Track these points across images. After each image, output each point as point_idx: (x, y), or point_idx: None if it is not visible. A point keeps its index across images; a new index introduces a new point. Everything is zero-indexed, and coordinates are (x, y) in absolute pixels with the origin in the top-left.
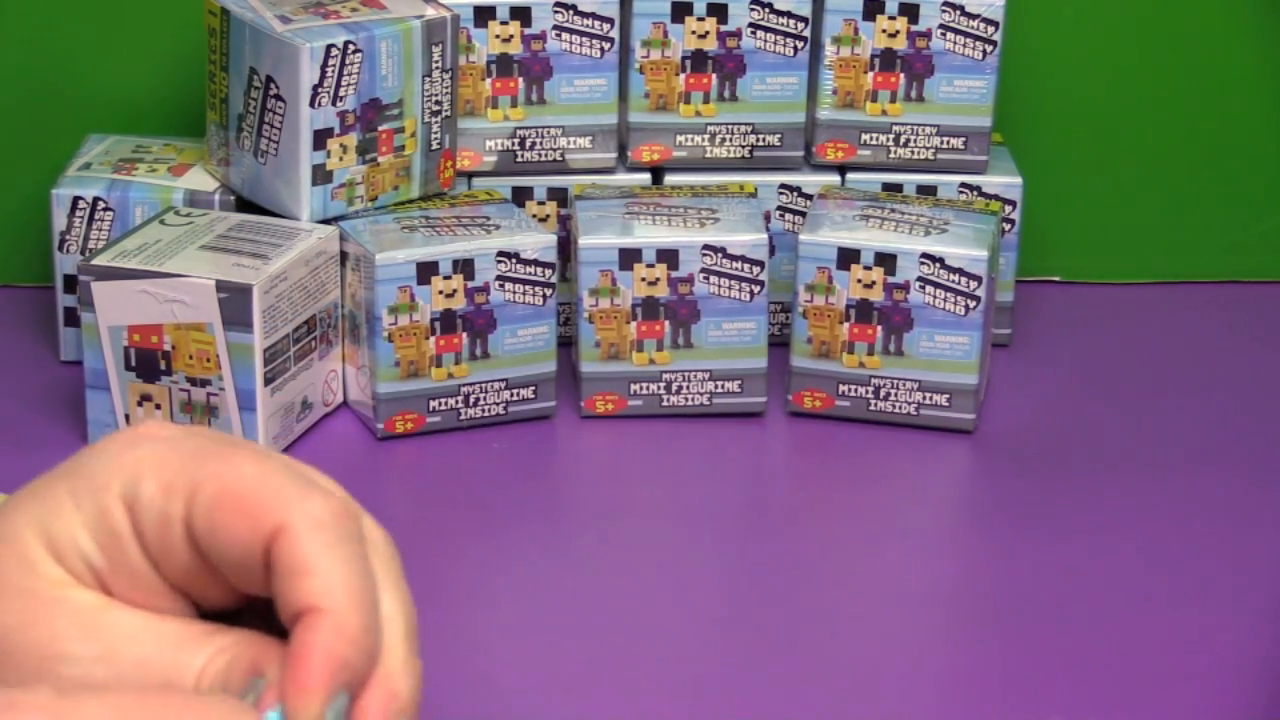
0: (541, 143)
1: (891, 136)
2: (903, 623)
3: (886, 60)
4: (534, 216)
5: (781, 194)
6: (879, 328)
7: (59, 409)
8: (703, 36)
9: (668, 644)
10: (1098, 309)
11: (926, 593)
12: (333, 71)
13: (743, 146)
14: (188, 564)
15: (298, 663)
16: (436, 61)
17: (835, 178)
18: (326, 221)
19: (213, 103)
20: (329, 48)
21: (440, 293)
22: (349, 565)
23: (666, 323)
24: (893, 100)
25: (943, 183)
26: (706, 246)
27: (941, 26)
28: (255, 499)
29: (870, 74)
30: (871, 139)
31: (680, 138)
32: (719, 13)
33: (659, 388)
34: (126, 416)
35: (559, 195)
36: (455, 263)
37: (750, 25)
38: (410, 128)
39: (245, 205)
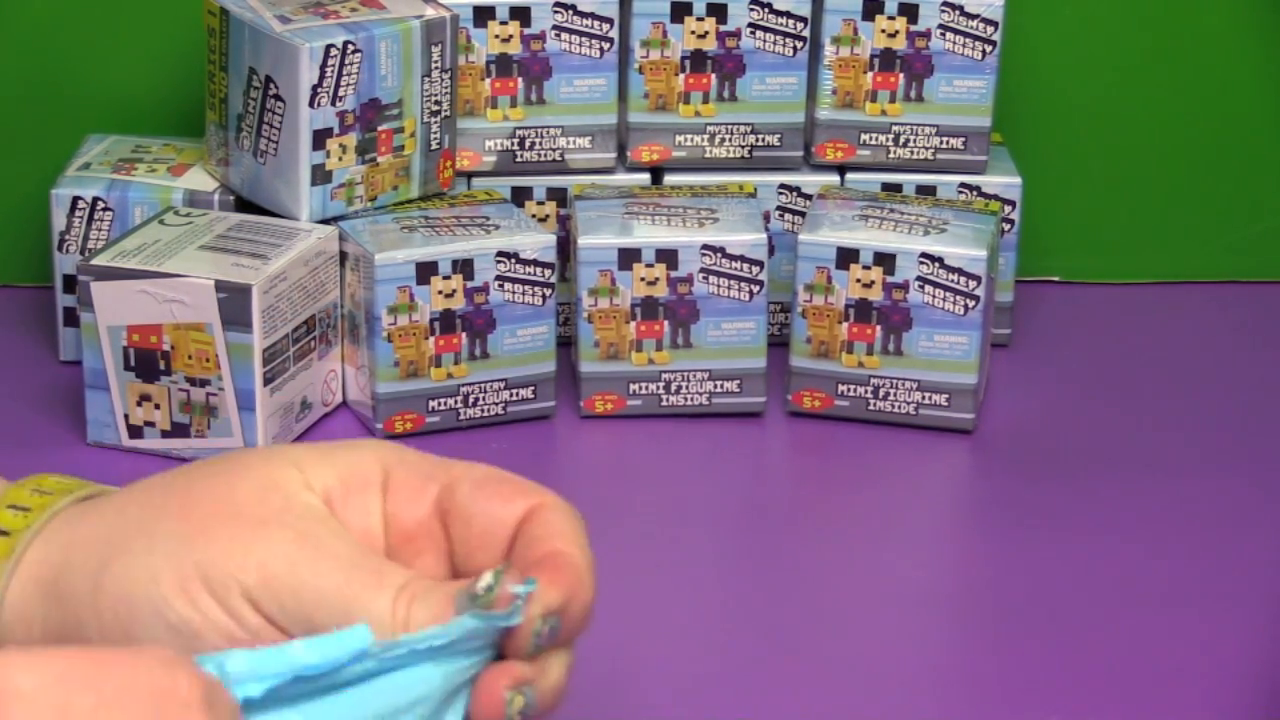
0: (541, 143)
1: (891, 136)
2: (902, 622)
3: (886, 60)
4: (533, 216)
5: (781, 194)
6: (878, 327)
7: (58, 409)
8: (702, 36)
9: (667, 644)
10: (1098, 309)
11: (926, 592)
12: (332, 71)
13: (742, 146)
14: (425, 527)
15: (556, 564)
16: (436, 61)
17: (835, 178)
18: (326, 221)
19: (212, 103)
20: (328, 48)
21: (440, 293)
22: (588, 548)
23: (666, 323)
24: (892, 100)
25: (942, 183)
26: (706, 246)
27: (941, 26)
28: (518, 483)
29: (870, 74)
30: (871, 139)
31: (680, 138)
32: (718, 13)
33: (658, 388)
34: (126, 416)
35: (558, 195)
36: (455, 263)
37: (749, 25)
38: (410, 128)
39: (245, 205)
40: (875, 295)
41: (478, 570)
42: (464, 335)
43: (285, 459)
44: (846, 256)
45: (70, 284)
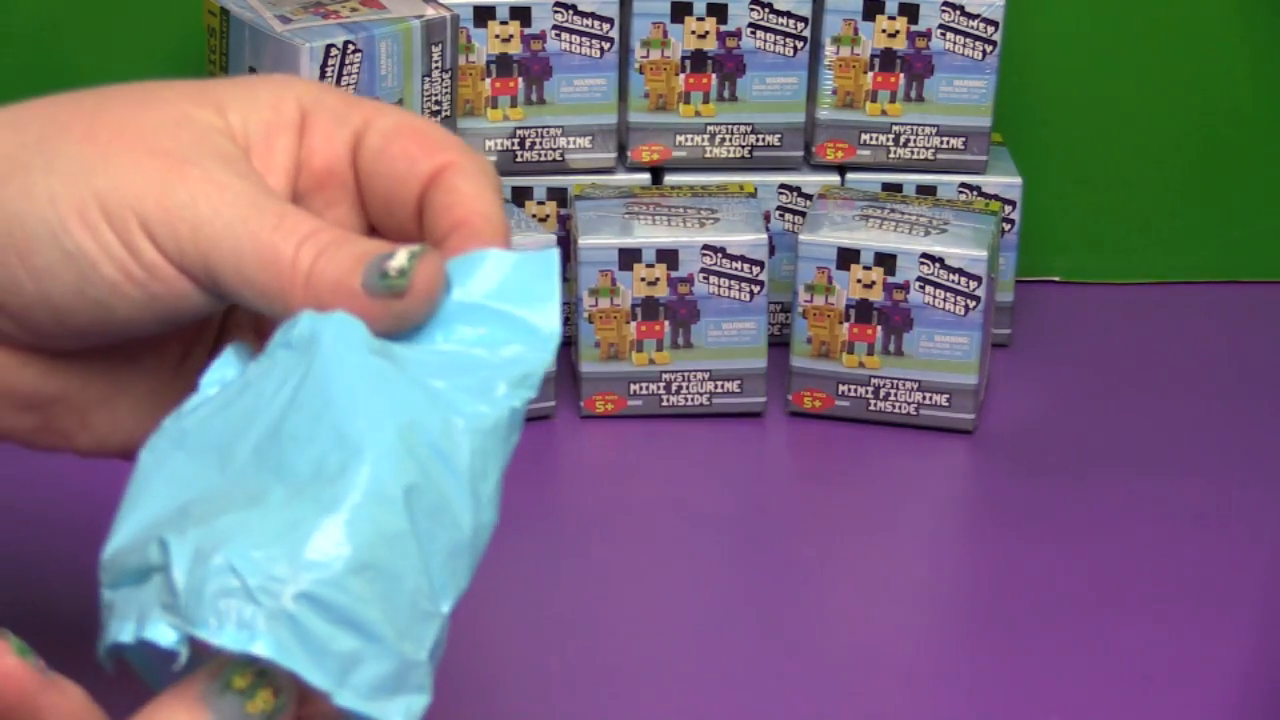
0: (541, 143)
1: (891, 136)
2: (902, 622)
3: (886, 60)
4: (534, 216)
5: (781, 194)
6: (879, 328)
7: None
8: (702, 36)
9: (667, 643)
10: (1098, 309)
11: (926, 592)
12: (332, 71)
13: (742, 146)
14: (337, 171)
15: (466, 236)
16: (436, 61)
17: (835, 178)
18: None
19: None
20: (328, 47)
21: None
22: (501, 213)
23: (666, 323)
24: (892, 100)
25: (942, 183)
26: (706, 246)
27: (941, 26)
28: (432, 135)
29: (870, 74)
30: (871, 139)
31: (680, 138)
32: (719, 13)
33: (659, 388)
34: None
35: (559, 195)
36: None
37: (750, 25)
38: None
39: None
40: (876, 296)
41: (390, 232)
42: None
43: (207, 96)
44: (847, 257)
45: None
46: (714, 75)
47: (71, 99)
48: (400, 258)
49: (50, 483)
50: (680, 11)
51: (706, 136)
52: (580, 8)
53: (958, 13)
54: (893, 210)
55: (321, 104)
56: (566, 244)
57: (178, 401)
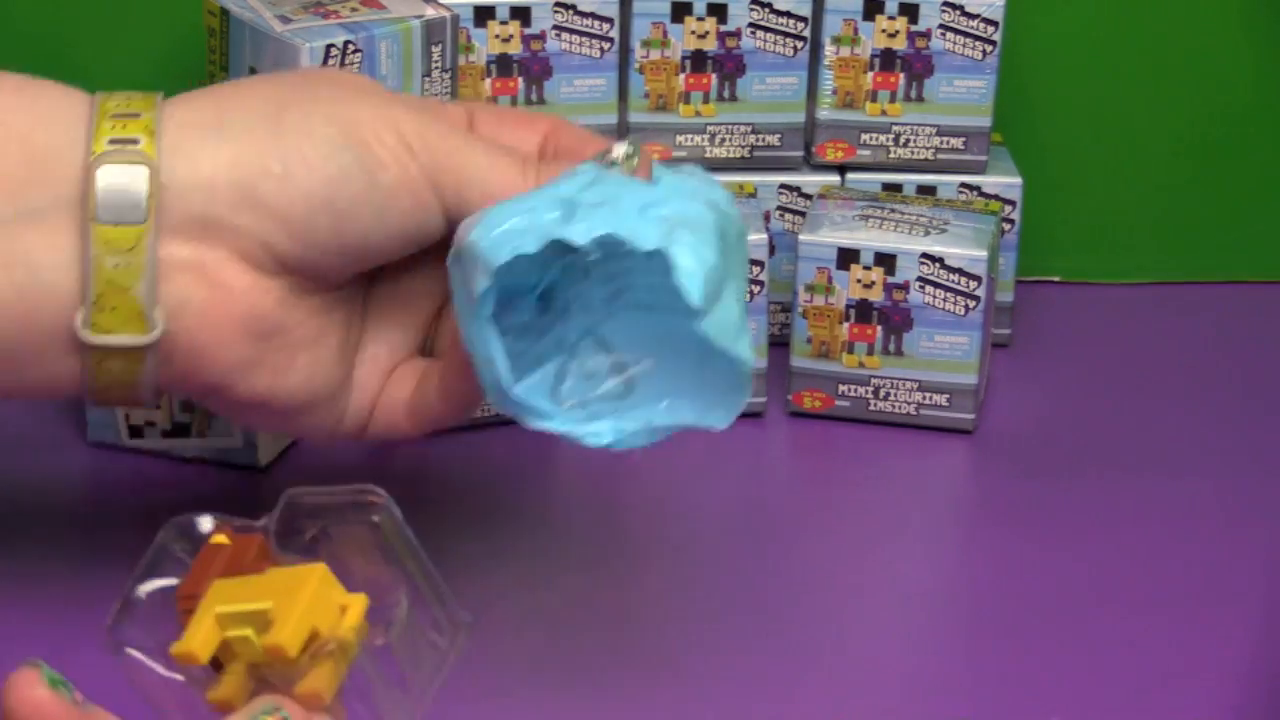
0: None
1: (891, 136)
2: (902, 622)
3: (886, 60)
4: None
5: (781, 194)
6: (879, 328)
7: (59, 407)
8: (702, 36)
9: (667, 643)
10: (1098, 309)
11: (926, 593)
12: None
13: (743, 146)
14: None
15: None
16: (436, 61)
17: (835, 178)
18: None
19: None
20: (328, 48)
21: None
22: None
23: None
24: (892, 100)
25: (942, 183)
26: None
27: (941, 26)
28: (525, 113)
29: (870, 74)
30: (871, 139)
31: (680, 138)
32: (719, 13)
33: None
34: (127, 415)
35: None
36: None
37: (750, 25)
38: None
39: None
40: (876, 296)
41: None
42: None
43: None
44: (847, 257)
45: None
46: (714, 75)
47: (276, 76)
48: (621, 146)
49: (53, 488)
50: (680, 11)
51: (706, 136)
52: (580, 8)
53: (958, 13)
54: (893, 210)
55: (423, 111)
56: None
57: (347, 368)
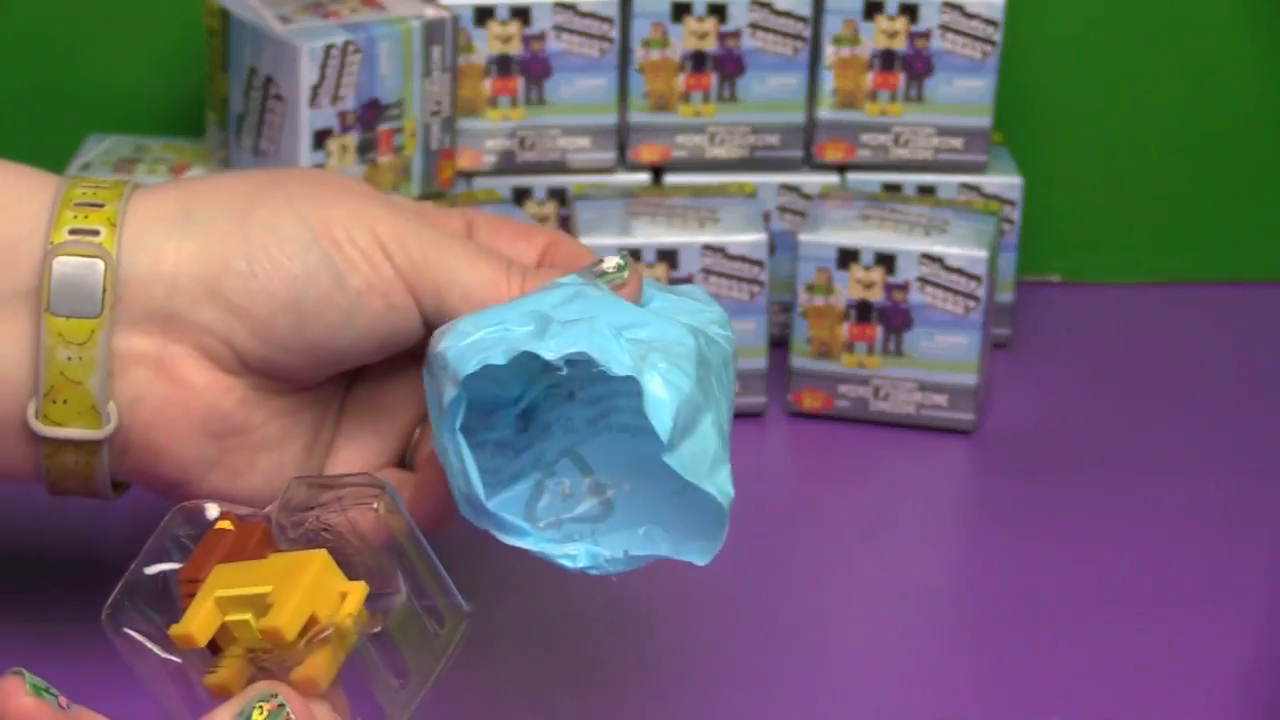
0: (541, 143)
1: (891, 136)
2: (902, 623)
3: (886, 60)
4: (534, 216)
5: (781, 194)
6: (879, 327)
7: None
8: (702, 37)
9: (666, 643)
10: (1098, 309)
11: (926, 593)
12: (332, 71)
13: (743, 146)
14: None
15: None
16: (436, 61)
17: (835, 178)
18: None
19: (212, 103)
20: (328, 48)
21: None
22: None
23: None
24: (893, 100)
25: (943, 183)
26: (706, 246)
27: (941, 26)
28: (526, 226)
29: (870, 74)
30: (871, 139)
31: (680, 138)
32: (719, 13)
33: None
34: None
35: (559, 195)
36: None
37: (750, 25)
38: (410, 128)
39: None
40: (876, 295)
41: None
42: None
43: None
44: (847, 257)
45: None
46: (714, 75)
47: (256, 173)
48: (613, 258)
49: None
50: (680, 11)
51: (706, 136)
52: (580, 8)
53: (958, 13)
54: (893, 210)
55: (405, 212)
56: None
57: (316, 471)
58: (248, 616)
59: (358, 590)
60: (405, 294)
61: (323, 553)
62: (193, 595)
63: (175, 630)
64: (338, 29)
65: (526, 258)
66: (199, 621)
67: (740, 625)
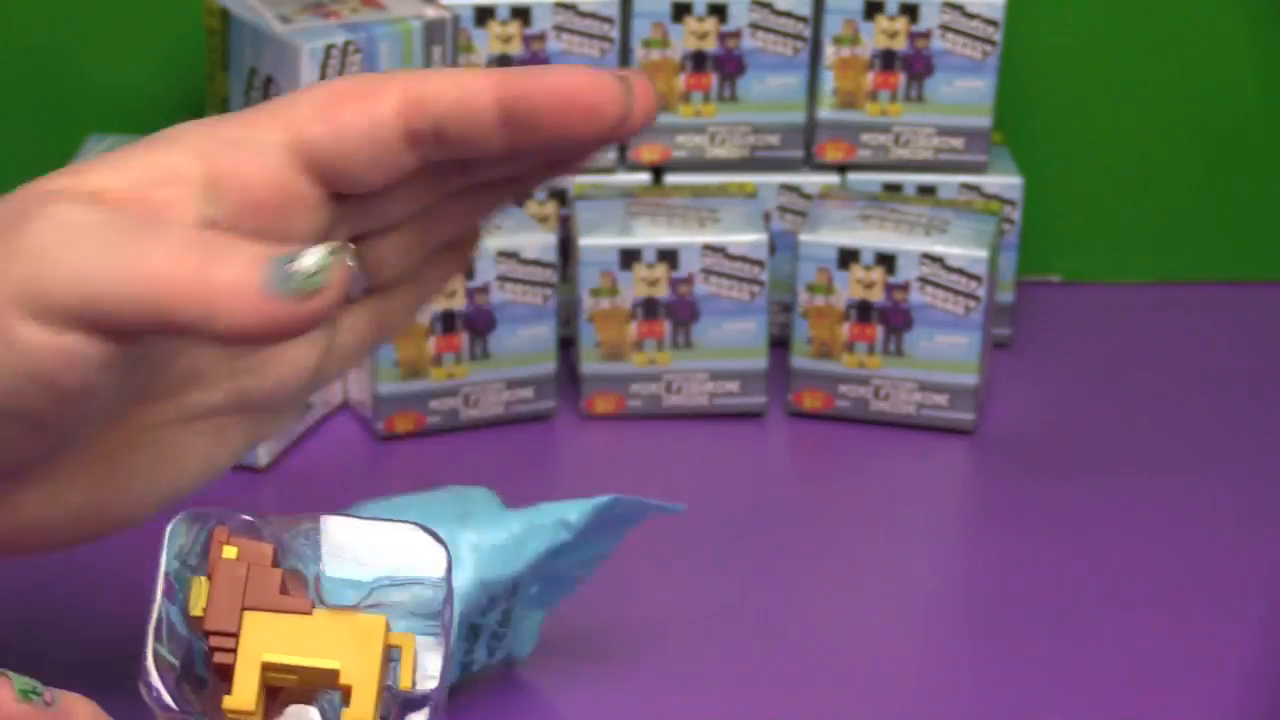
0: None
1: (891, 136)
2: (902, 623)
3: (886, 60)
4: (534, 216)
5: (781, 194)
6: (879, 327)
7: None
8: (702, 37)
9: (666, 643)
10: (1098, 309)
11: (926, 593)
12: (333, 72)
13: (742, 146)
14: (288, 188)
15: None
16: (436, 62)
17: (835, 178)
18: None
19: (212, 102)
20: (329, 48)
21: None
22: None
23: (667, 323)
24: (893, 100)
25: (943, 183)
26: (707, 246)
27: (941, 26)
28: (358, 86)
29: (870, 74)
30: (871, 139)
31: (680, 138)
32: (719, 13)
33: (659, 388)
34: None
35: (559, 195)
36: None
37: (750, 25)
38: None
39: None
40: (876, 296)
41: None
42: (465, 335)
43: (65, 175)
44: (847, 257)
45: None
46: (714, 75)
47: None
48: (310, 258)
49: None
50: (680, 11)
51: (706, 136)
52: (580, 8)
53: (958, 13)
54: (893, 210)
55: (221, 142)
56: (567, 244)
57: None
58: (297, 680)
59: (409, 645)
60: (59, 349)
61: (383, 620)
62: (227, 650)
63: (229, 704)
64: (338, 29)
65: (379, 133)
66: (248, 692)
67: (740, 624)
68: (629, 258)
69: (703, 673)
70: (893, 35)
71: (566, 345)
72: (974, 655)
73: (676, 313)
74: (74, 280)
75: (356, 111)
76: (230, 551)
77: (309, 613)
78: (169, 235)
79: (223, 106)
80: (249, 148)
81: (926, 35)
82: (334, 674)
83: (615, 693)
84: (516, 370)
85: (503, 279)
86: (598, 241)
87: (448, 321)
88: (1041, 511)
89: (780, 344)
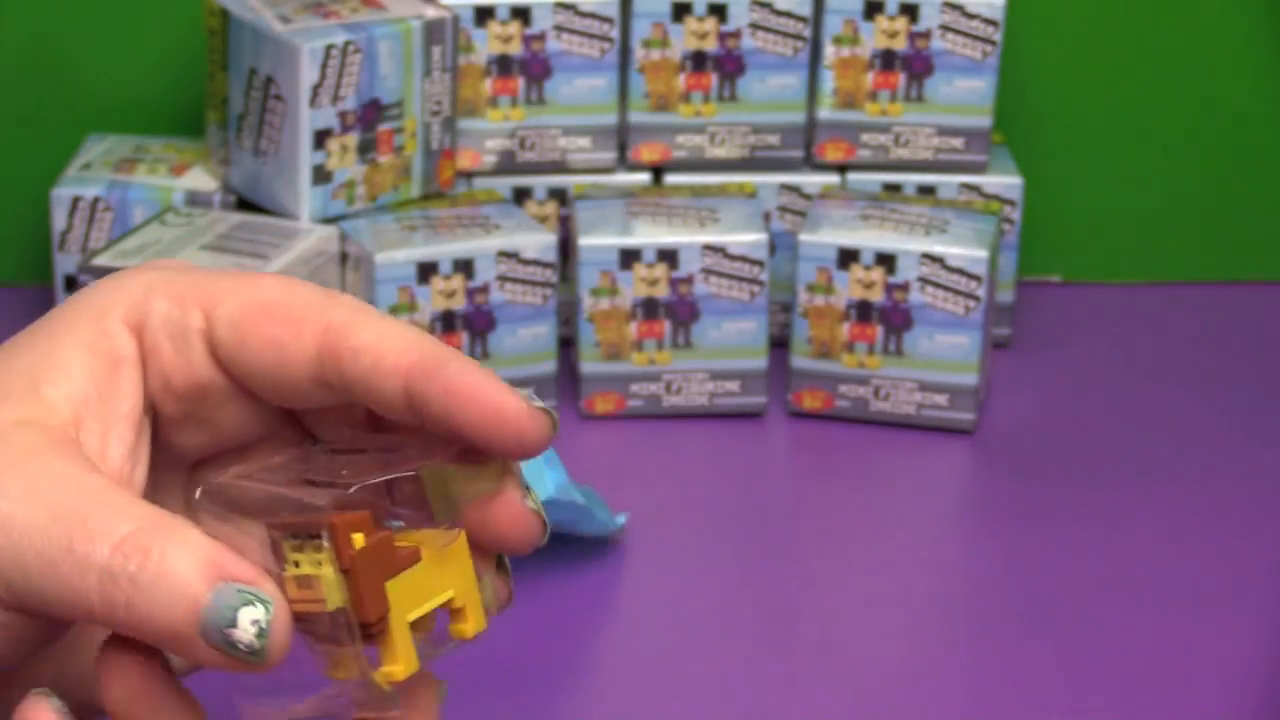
0: (541, 143)
1: (891, 136)
2: (902, 623)
3: (886, 60)
4: (534, 216)
5: (781, 194)
6: (879, 327)
7: None
8: (702, 36)
9: (666, 643)
10: (1098, 309)
11: (926, 593)
12: (332, 71)
13: (743, 146)
14: (206, 381)
15: (478, 406)
16: (436, 61)
17: (835, 178)
18: (327, 221)
19: (213, 103)
20: (329, 48)
21: (440, 292)
22: (401, 323)
23: (666, 323)
24: (893, 100)
25: (943, 183)
26: (707, 246)
27: (941, 26)
28: (286, 308)
29: (870, 74)
30: (871, 139)
31: (680, 138)
32: (719, 13)
33: (659, 388)
34: None
35: (559, 195)
36: (455, 262)
37: (750, 25)
38: (410, 128)
39: (245, 205)
40: (876, 295)
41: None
42: (465, 335)
43: (12, 385)
44: (847, 257)
45: (71, 284)
46: (714, 75)
47: None
48: (246, 627)
49: None
50: (680, 11)
51: (706, 136)
52: (580, 8)
53: (958, 13)
54: (893, 210)
55: (152, 317)
56: (567, 244)
57: None
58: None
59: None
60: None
61: (463, 534)
62: (380, 630)
63: (399, 674)
64: (338, 29)
65: (291, 367)
66: (411, 655)
67: (740, 624)
68: (629, 257)
69: (702, 671)
70: (893, 35)
71: (566, 345)
72: (974, 654)
73: (676, 312)
74: (13, 570)
75: (267, 340)
76: (359, 539)
77: (420, 559)
78: (109, 522)
79: (223, 106)
80: (170, 333)
81: (926, 35)
82: (450, 601)
83: (613, 690)
84: (516, 370)
85: (503, 279)
86: (597, 241)
87: (448, 321)
88: (1041, 511)
89: (780, 344)
